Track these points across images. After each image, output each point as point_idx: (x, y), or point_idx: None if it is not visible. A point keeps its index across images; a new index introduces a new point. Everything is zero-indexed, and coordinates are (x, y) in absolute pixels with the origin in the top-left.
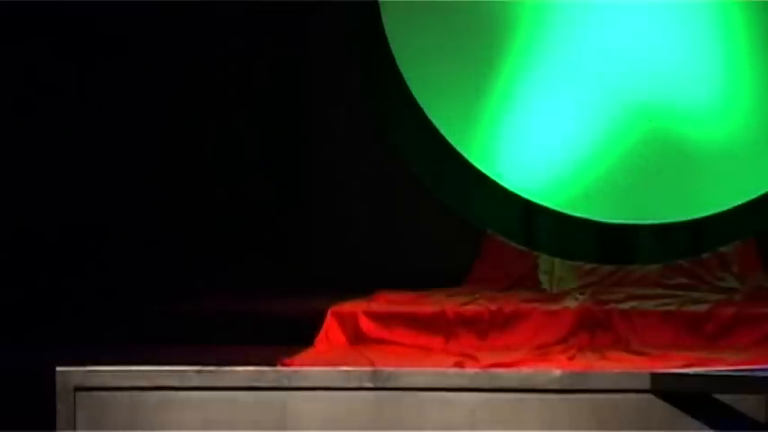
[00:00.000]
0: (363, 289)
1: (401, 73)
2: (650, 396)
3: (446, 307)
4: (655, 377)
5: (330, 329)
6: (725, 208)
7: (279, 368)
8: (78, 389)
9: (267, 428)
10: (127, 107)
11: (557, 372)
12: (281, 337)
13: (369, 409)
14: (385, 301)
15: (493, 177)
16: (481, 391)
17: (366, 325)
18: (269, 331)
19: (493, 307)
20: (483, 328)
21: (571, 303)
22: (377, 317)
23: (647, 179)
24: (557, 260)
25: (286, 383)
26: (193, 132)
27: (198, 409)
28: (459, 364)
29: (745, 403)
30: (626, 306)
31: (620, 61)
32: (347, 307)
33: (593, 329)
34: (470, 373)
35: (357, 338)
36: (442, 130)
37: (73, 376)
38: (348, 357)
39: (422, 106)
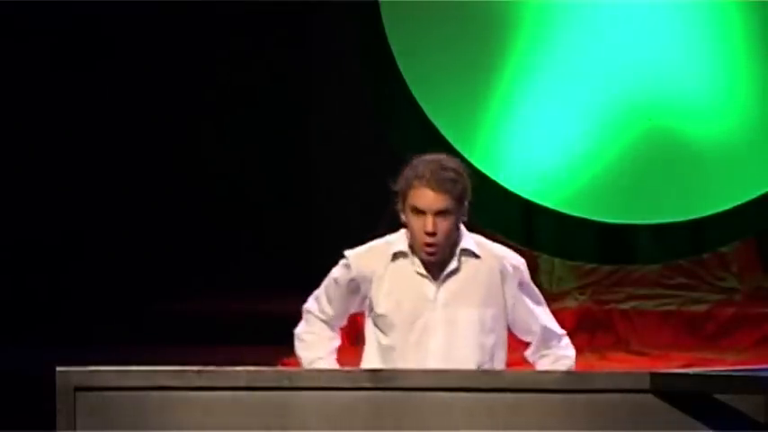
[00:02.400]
0: None
1: (401, 73)
2: (650, 396)
3: None
4: (655, 377)
5: None
6: (725, 208)
7: (279, 368)
8: (78, 389)
9: (267, 428)
10: (126, 107)
11: (557, 372)
12: (281, 337)
13: (368, 409)
14: None
15: (493, 177)
16: (481, 391)
17: None
18: (269, 331)
19: None
20: None
21: (571, 303)
22: None
23: (647, 179)
24: (557, 260)
25: (286, 383)
26: (193, 132)
27: (198, 409)
28: None
29: (745, 403)
30: (626, 306)
31: (620, 61)
32: None
33: (594, 329)
34: (470, 373)
35: (357, 338)
36: (442, 130)
37: (73, 376)
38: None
39: (422, 106)
